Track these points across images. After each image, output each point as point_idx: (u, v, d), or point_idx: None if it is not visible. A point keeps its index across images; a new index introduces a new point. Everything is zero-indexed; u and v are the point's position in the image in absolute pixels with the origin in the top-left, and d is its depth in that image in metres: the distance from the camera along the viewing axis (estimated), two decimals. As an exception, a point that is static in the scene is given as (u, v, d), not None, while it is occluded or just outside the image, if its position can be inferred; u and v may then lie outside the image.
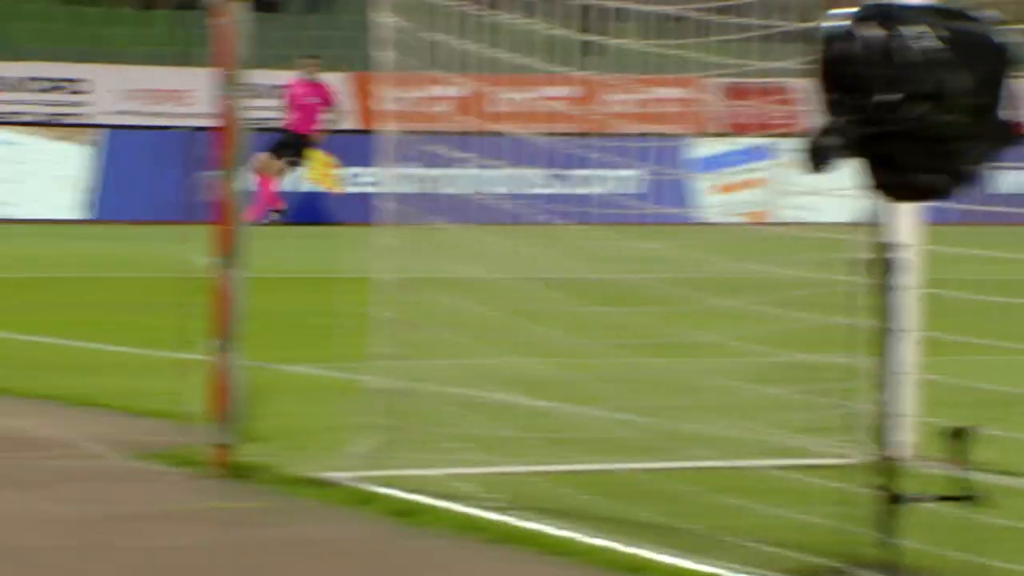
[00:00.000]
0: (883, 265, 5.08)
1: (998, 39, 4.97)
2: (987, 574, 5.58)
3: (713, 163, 26.93)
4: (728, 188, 26.24)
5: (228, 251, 7.37)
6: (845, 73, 4.86)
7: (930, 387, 8.06)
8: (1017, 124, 5.06)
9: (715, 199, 26.84)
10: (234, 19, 7.47)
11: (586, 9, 10.21)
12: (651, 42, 10.36)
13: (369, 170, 28.59)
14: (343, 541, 6.82)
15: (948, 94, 4.77)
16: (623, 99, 24.41)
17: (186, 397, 8.46)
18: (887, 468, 5.01)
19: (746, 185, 24.48)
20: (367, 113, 28.71)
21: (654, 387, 9.31)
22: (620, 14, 10.55)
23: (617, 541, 6.14)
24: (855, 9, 4.97)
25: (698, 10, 8.94)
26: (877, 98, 4.78)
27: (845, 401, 5.94)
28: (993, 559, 5.57)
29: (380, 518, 6.84)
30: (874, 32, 4.80)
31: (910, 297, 6.83)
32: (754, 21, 8.25)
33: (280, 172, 28.37)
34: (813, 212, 8.93)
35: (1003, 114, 4.93)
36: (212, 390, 7.68)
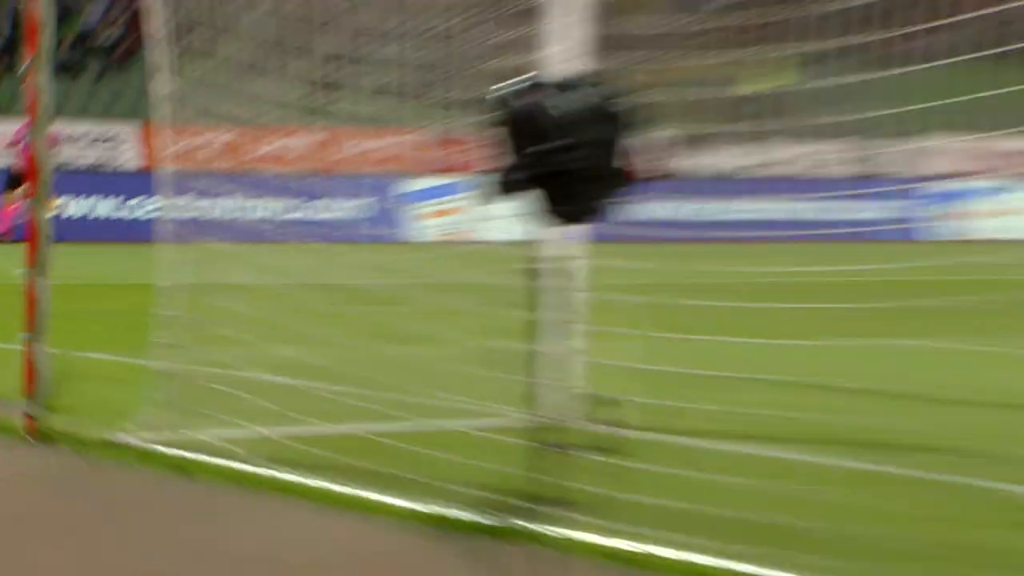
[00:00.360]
0: (548, 271, 5.33)
1: (619, 107, 5.11)
2: (617, 504, 5.62)
3: (426, 195, 27.41)
4: (437, 214, 26.63)
5: (36, 263, 7.51)
6: (516, 129, 4.97)
7: (593, 367, 7.75)
8: (630, 171, 5.20)
9: (428, 223, 27.16)
10: (39, 78, 7.52)
11: (327, 71, 10.31)
12: (380, 102, 10.59)
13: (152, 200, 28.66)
14: (130, 490, 6.75)
15: (583, 147, 4.92)
16: (358, 145, 24.79)
17: (4, 379, 8.36)
18: (553, 428, 5.27)
19: (450, 212, 24.91)
20: (151, 155, 28.64)
21: (388, 368, 9.18)
22: (355, 76, 10.71)
23: (351, 487, 6.16)
24: (524, 79, 5.19)
25: (418, 77, 9.19)
26: (533, 148, 4.95)
27: (525, 377, 5.75)
28: (628, 493, 5.55)
29: (162, 472, 6.76)
30: (533, 98, 4.99)
31: (574, 297, 6.82)
32: (451, 91, 8.60)
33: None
34: (500, 232, 9.09)
35: (620, 163, 5.08)
36: (24, 372, 7.65)
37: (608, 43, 7.08)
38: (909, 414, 9.07)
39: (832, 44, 7.75)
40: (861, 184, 21.69)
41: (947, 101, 7.55)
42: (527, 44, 7.11)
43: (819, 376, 9.96)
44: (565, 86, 5.30)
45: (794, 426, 8.04)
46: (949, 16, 6.77)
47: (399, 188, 25.39)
